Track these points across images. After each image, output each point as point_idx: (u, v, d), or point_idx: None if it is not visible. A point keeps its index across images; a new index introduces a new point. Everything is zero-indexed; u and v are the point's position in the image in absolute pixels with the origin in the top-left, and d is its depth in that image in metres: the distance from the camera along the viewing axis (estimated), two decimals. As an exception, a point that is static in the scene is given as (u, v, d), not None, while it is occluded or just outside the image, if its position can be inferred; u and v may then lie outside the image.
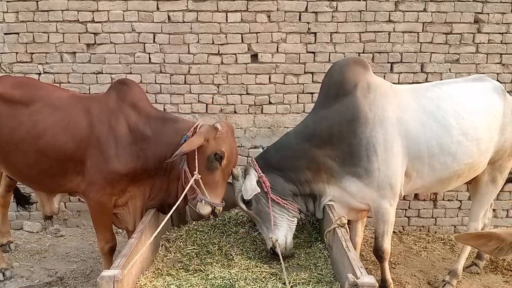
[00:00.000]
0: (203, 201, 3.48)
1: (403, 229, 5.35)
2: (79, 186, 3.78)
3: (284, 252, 3.47)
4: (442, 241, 5.17)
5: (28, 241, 5.00)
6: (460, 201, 5.30)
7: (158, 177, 3.73)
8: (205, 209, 3.51)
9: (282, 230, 3.54)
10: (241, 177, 3.62)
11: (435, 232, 5.35)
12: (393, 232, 5.06)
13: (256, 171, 3.57)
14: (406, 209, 5.32)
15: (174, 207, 3.33)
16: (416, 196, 5.30)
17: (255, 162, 3.65)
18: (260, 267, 3.29)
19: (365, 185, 3.51)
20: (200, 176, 3.42)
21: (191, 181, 3.40)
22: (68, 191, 3.99)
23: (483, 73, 4.80)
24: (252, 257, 3.49)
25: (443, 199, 5.31)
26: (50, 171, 3.75)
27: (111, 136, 3.64)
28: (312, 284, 2.97)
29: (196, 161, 3.43)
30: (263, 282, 3.03)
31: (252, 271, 3.20)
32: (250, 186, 3.46)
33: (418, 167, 3.62)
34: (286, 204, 3.57)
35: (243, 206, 3.60)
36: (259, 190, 3.49)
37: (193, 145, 3.39)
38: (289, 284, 2.97)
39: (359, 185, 3.53)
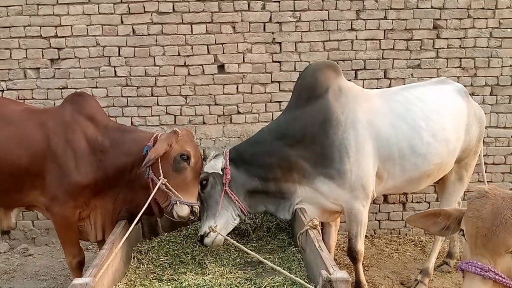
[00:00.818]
0: (177, 203, 3.47)
1: (375, 232, 5.42)
2: (36, 200, 3.73)
3: (210, 245, 3.55)
4: (413, 243, 5.26)
5: (-6, 261, 4.86)
6: (429, 202, 5.41)
7: (121, 188, 3.73)
8: (183, 211, 3.49)
9: (220, 223, 3.58)
10: (209, 160, 3.67)
11: (406, 234, 5.44)
12: (365, 235, 5.12)
13: (225, 160, 3.64)
14: (376, 213, 5.39)
15: (140, 214, 3.30)
16: (386, 200, 5.39)
17: (227, 153, 3.71)
18: (235, 273, 3.27)
19: (337, 186, 3.57)
20: (166, 180, 3.44)
21: (158, 184, 3.41)
22: (24, 205, 3.91)
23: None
24: (226, 264, 3.46)
25: (412, 202, 5.41)
26: (4, 187, 3.66)
27: (68, 149, 3.60)
28: (287, 286, 2.98)
29: (160, 167, 3.45)
30: (237, 287, 3.02)
31: (227, 277, 3.18)
32: (212, 165, 3.59)
33: (389, 168, 3.70)
34: (236, 201, 3.63)
35: (198, 187, 3.63)
36: (218, 170, 3.59)
37: (160, 151, 3.41)
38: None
39: (332, 186, 3.59)
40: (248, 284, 3.07)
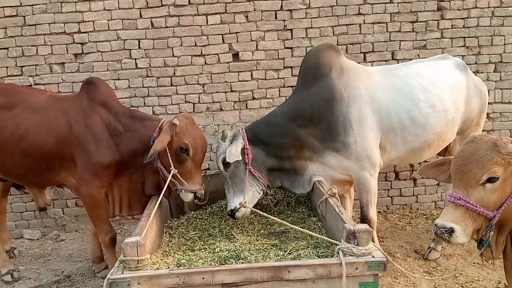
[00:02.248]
0: (183, 191, 3.80)
1: (387, 208, 5.65)
2: (66, 180, 4.13)
3: (241, 218, 3.84)
4: (425, 216, 5.49)
5: (30, 247, 5.14)
6: (438, 178, 5.63)
7: (134, 170, 4.06)
8: (187, 197, 3.84)
9: (249, 197, 3.87)
10: (228, 140, 3.91)
11: (417, 209, 5.67)
12: (378, 211, 5.38)
13: (244, 141, 3.87)
14: (388, 189, 5.63)
15: (162, 193, 3.62)
16: (397, 177, 5.63)
17: (244, 132, 3.93)
18: (261, 241, 3.54)
19: (344, 158, 3.86)
20: (176, 170, 3.73)
21: (170, 175, 3.71)
22: (55, 184, 4.31)
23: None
24: (252, 234, 3.72)
25: (422, 178, 5.64)
26: (36, 169, 4.06)
27: (88, 134, 3.96)
28: (310, 249, 3.23)
29: (169, 156, 3.75)
30: (265, 251, 3.28)
31: (254, 244, 3.44)
32: (234, 152, 3.77)
33: (391, 139, 3.97)
34: (260, 178, 3.90)
35: (221, 167, 3.91)
36: (240, 158, 3.81)
37: (164, 143, 3.69)
38: (288, 251, 3.24)
39: (339, 158, 3.88)
40: (275, 249, 3.33)
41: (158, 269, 2.70)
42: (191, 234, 3.84)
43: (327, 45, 4.19)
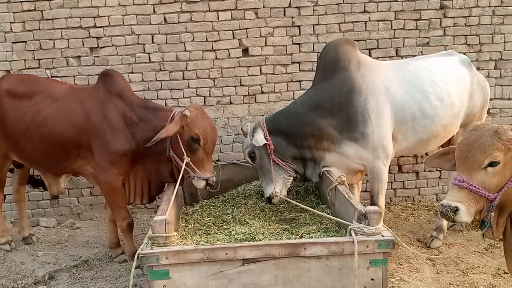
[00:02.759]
0: (195, 178, 3.99)
1: (391, 200, 5.85)
2: (83, 169, 4.36)
3: (278, 203, 4.09)
4: (427, 208, 5.69)
5: (47, 234, 5.33)
6: (440, 171, 5.83)
7: (148, 159, 4.25)
8: (200, 184, 4.03)
9: (278, 185, 4.11)
10: (249, 134, 4.14)
11: (420, 201, 5.87)
12: (382, 203, 5.57)
13: (264, 132, 4.07)
14: (392, 182, 5.82)
15: (178, 180, 3.82)
16: (400, 169, 5.82)
17: (264, 124, 4.13)
18: (273, 226, 3.74)
19: (361, 147, 4.05)
20: (189, 159, 3.92)
21: (184, 163, 3.90)
22: (71, 172, 4.53)
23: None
24: (264, 220, 3.92)
25: (424, 171, 5.84)
26: (54, 156, 4.29)
27: (105, 124, 4.16)
28: (320, 233, 3.43)
29: (181, 146, 3.94)
30: (278, 235, 3.48)
31: (267, 228, 3.65)
32: (259, 138, 4.00)
33: (403, 130, 4.17)
34: (285, 166, 4.11)
35: (249, 160, 4.15)
36: (263, 142, 4.01)
37: (170, 132, 3.89)
38: (300, 234, 3.44)
39: (356, 148, 4.07)
40: (286, 233, 3.53)
41: (185, 244, 2.90)
42: (205, 220, 4.03)
43: (344, 39, 4.43)
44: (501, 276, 4.12)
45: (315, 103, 4.10)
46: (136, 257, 2.59)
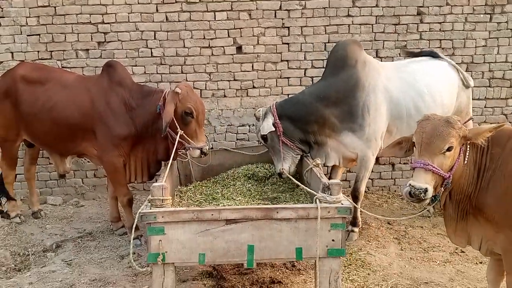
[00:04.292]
0: (190, 148, 4.50)
1: (368, 189, 6.37)
2: (87, 150, 4.87)
3: (287, 177, 4.55)
4: (401, 197, 6.21)
5: (53, 211, 5.86)
6: (414, 163, 6.36)
7: (146, 140, 4.76)
8: (195, 153, 4.53)
9: (287, 163, 4.66)
10: (261, 119, 4.66)
11: (395, 191, 6.41)
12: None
13: (274, 117, 4.60)
14: (370, 172, 6.36)
15: (172, 156, 4.24)
16: (377, 161, 6.35)
17: (275, 109, 4.64)
18: (256, 202, 4.23)
19: (357, 138, 4.65)
20: (183, 131, 4.41)
21: (178, 136, 4.36)
22: (76, 153, 5.05)
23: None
24: (249, 197, 4.42)
25: (399, 163, 6.39)
26: (61, 137, 4.82)
27: (108, 110, 4.68)
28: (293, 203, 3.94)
29: (175, 121, 4.40)
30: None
31: (251, 204, 4.15)
32: (266, 126, 4.56)
33: (398, 125, 4.77)
34: (293, 146, 4.66)
35: (262, 141, 4.70)
36: (273, 129, 4.55)
37: (171, 113, 4.37)
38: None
39: (353, 138, 4.66)
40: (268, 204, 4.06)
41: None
42: (198, 197, 4.53)
43: (352, 40, 5.04)
44: (458, 254, 4.64)
45: (322, 94, 4.64)
46: (137, 215, 3.11)
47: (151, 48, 5.96)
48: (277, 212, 3.17)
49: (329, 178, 4.51)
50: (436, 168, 2.92)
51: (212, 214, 3.14)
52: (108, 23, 5.87)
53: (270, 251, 3.22)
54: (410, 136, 3.23)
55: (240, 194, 4.53)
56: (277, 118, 4.61)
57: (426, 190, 2.90)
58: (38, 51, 5.88)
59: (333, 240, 3.21)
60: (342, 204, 3.19)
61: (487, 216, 3.05)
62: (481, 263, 4.42)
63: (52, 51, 5.89)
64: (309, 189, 3.76)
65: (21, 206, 5.76)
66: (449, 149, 2.96)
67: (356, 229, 4.90)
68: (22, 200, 6.05)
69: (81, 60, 5.93)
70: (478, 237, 3.19)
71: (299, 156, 4.77)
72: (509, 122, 6.23)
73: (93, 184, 6.20)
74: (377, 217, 4.62)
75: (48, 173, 6.12)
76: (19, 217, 5.41)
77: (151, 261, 3.17)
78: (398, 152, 3.39)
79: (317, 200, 3.20)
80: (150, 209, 3.15)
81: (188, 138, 4.46)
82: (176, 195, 4.57)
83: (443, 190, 3.11)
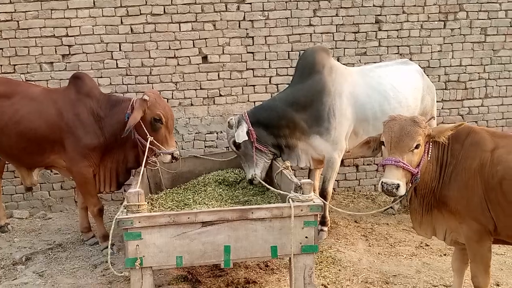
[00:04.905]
0: (161, 154, 4.58)
1: (334, 190, 6.52)
2: (56, 162, 4.85)
3: (258, 182, 4.69)
4: (365, 196, 6.44)
5: (20, 224, 5.77)
6: (377, 164, 6.60)
7: (116, 149, 4.80)
8: (166, 158, 4.62)
9: (259, 168, 4.81)
10: (235, 126, 4.75)
11: (360, 191, 6.62)
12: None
13: (247, 124, 4.72)
14: (335, 175, 6.55)
15: (144, 163, 4.37)
16: (342, 163, 6.54)
17: (247, 116, 4.77)
18: (229, 206, 4.34)
19: (324, 141, 4.83)
20: (152, 138, 4.47)
21: (148, 142, 4.40)
22: (44, 166, 5.02)
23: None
24: (221, 202, 4.51)
25: (363, 164, 6.61)
26: (29, 150, 4.78)
27: (77, 121, 4.70)
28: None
29: (144, 128, 4.49)
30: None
31: (223, 207, 4.26)
32: (242, 134, 4.65)
33: (364, 127, 4.98)
34: (266, 150, 4.81)
35: (234, 148, 4.79)
36: (246, 138, 4.66)
37: (136, 119, 4.44)
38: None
39: (320, 141, 4.84)
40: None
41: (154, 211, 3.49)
42: (169, 204, 4.57)
43: (321, 47, 5.22)
44: (423, 248, 4.86)
45: (291, 100, 4.81)
46: (114, 221, 3.15)
47: (116, 60, 6.00)
48: (252, 213, 3.29)
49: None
50: (406, 165, 3.09)
51: (189, 218, 3.23)
52: (72, 36, 5.88)
53: (246, 250, 3.33)
54: (378, 136, 3.40)
55: (212, 199, 4.61)
56: (250, 126, 4.74)
57: (398, 186, 3.05)
58: (1, 65, 5.83)
59: (306, 237, 3.34)
60: (314, 202, 3.33)
61: (450, 209, 3.25)
62: (445, 255, 4.65)
63: (16, 64, 5.85)
64: (280, 191, 3.89)
65: (-14, 221, 5.66)
66: (417, 147, 3.14)
67: (325, 228, 5.06)
68: (-13, 215, 5.94)
69: (46, 73, 5.91)
70: (442, 228, 3.38)
71: (270, 161, 4.90)
72: (466, 121, 6.52)
73: (60, 196, 6.15)
74: (349, 214, 4.90)
75: (13, 186, 6.04)
76: None
77: (129, 266, 3.22)
78: (366, 152, 3.55)
79: (290, 199, 3.32)
80: (127, 214, 3.20)
81: (158, 144, 4.52)
82: (148, 203, 4.58)
83: (411, 185, 3.27)
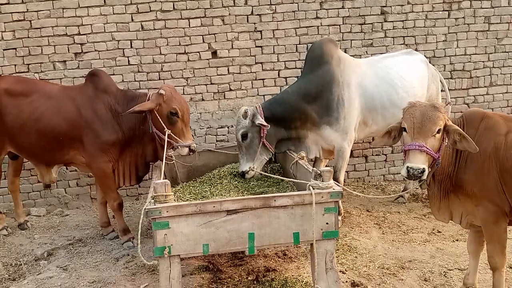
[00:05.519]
0: (179, 147, 4.67)
1: (344, 181, 6.61)
2: (75, 159, 4.96)
3: (249, 179, 4.79)
4: (375, 187, 6.55)
5: (39, 221, 5.88)
6: (386, 155, 6.72)
7: (134, 144, 4.91)
8: (184, 151, 4.71)
9: (257, 163, 4.85)
10: (249, 118, 4.78)
11: (369, 181, 6.73)
12: (337, 184, 6.39)
13: (262, 118, 4.76)
14: (345, 165, 6.66)
15: (164, 158, 4.44)
16: (351, 154, 6.64)
17: (261, 111, 4.82)
18: (247, 195, 4.46)
19: (334, 131, 4.98)
20: (170, 131, 4.56)
21: (166, 135, 4.49)
22: (63, 162, 5.13)
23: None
24: (238, 194, 4.61)
25: (372, 155, 6.72)
26: (48, 147, 4.89)
27: (95, 117, 4.81)
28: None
29: (161, 122, 4.58)
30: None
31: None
32: (261, 120, 4.71)
33: (373, 116, 5.12)
34: (270, 148, 4.88)
35: (240, 138, 4.82)
36: (265, 123, 4.70)
37: (144, 108, 4.54)
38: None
39: (330, 131, 4.99)
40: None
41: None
42: (187, 197, 4.68)
43: (328, 39, 5.36)
44: (435, 235, 4.98)
45: (303, 91, 4.95)
46: (143, 212, 3.26)
47: (128, 57, 6.08)
48: (275, 200, 3.39)
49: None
50: (429, 149, 3.17)
51: (214, 206, 3.33)
52: (84, 34, 5.96)
53: (270, 237, 3.43)
54: (397, 124, 3.48)
55: (229, 191, 4.72)
56: (264, 121, 4.80)
57: (423, 170, 3.13)
58: (15, 65, 5.91)
59: (327, 223, 3.45)
60: (333, 189, 3.44)
61: (467, 192, 3.35)
62: (457, 240, 4.77)
63: (29, 64, 5.94)
64: (294, 180, 4.04)
65: (5, 219, 5.75)
66: (438, 131, 3.22)
67: (339, 217, 5.16)
68: (5, 213, 6.02)
69: (59, 71, 6.00)
70: (458, 212, 3.49)
71: (267, 160, 4.99)
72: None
73: (76, 193, 6.25)
74: (367, 197, 5.26)
75: (30, 185, 6.14)
76: (6, 229, 5.43)
77: (157, 255, 3.33)
78: (388, 141, 3.63)
79: (311, 187, 3.43)
80: (155, 205, 3.31)
81: (176, 137, 4.61)
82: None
83: (430, 170, 3.34)
